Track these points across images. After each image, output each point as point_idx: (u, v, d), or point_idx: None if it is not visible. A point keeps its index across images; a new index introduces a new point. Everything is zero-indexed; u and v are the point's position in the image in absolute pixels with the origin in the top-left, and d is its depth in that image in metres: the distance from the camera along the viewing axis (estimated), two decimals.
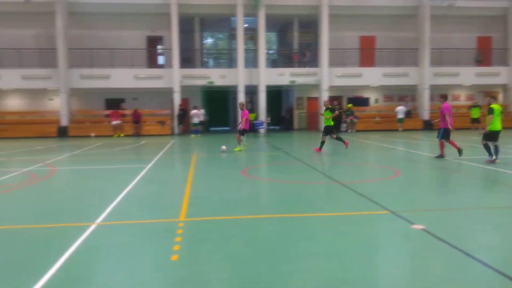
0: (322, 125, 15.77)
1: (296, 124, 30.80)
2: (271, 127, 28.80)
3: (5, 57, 26.38)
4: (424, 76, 28.94)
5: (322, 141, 15.18)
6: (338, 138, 15.48)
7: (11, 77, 26.11)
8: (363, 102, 30.81)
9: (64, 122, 26.56)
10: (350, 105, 28.20)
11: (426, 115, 28.92)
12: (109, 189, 9.25)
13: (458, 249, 5.06)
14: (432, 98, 28.70)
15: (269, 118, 27.60)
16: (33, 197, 8.81)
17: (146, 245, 5.55)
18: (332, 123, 15.28)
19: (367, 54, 29.75)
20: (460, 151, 12.82)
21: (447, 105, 12.93)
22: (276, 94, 30.64)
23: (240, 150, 16.14)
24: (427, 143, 19.23)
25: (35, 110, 28.23)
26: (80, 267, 4.74)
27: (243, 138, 16.57)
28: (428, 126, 27.95)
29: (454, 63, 29.39)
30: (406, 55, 29.35)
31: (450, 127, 12.79)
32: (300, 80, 28.16)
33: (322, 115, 15.70)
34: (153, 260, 4.96)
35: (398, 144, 19.21)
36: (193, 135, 25.53)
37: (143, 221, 6.64)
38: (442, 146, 13.14)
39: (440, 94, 13.62)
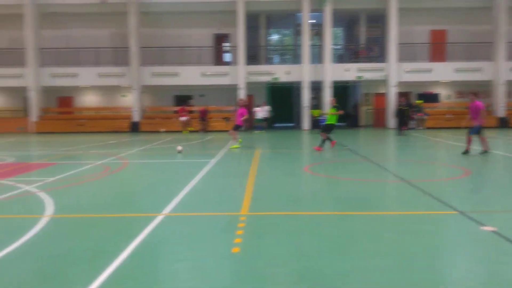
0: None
1: (362, 121, 30.18)
2: (336, 124, 28.38)
3: (83, 56, 28.02)
4: (499, 71, 27.29)
5: (326, 139, 15.15)
6: (328, 139, 15.22)
7: (88, 75, 27.70)
8: (433, 98, 29.60)
9: (136, 117, 27.78)
10: (419, 101, 27.19)
11: (501, 112, 27.27)
12: (176, 182, 9.58)
13: None
14: (509, 95, 27.03)
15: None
16: (106, 188, 9.32)
17: (209, 237, 5.71)
18: (334, 121, 15.18)
19: (438, 49, 28.53)
20: (484, 152, 13.15)
21: (481, 103, 13.14)
22: (342, 90, 30.18)
23: (237, 148, 16.30)
24: (501, 142, 18.14)
25: (109, 106, 29.80)
26: (147, 255, 4.97)
27: (237, 134, 16.86)
28: (504, 123, 26.35)
29: None
30: (480, 49, 27.80)
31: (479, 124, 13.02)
32: (367, 76, 27.56)
33: (315, 114, 15.73)
34: (214, 251, 5.10)
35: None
36: (256, 131, 25.78)
37: (207, 214, 6.82)
38: (470, 141, 13.31)
39: (472, 91, 13.60)
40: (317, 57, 29.13)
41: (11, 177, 10.20)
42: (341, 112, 15.36)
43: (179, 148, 14.98)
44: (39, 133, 26.76)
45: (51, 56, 28.26)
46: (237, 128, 16.78)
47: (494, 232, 5.53)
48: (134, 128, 27.40)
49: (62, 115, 29.26)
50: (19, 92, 28.67)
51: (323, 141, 15.15)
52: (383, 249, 5.10)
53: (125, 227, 6.12)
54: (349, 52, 31.20)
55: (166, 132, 26.31)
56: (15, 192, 8.48)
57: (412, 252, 4.97)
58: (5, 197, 8.03)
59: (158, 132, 26.39)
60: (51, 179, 9.88)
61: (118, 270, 4.47)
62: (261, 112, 26.31)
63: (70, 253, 5.04)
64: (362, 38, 29.85)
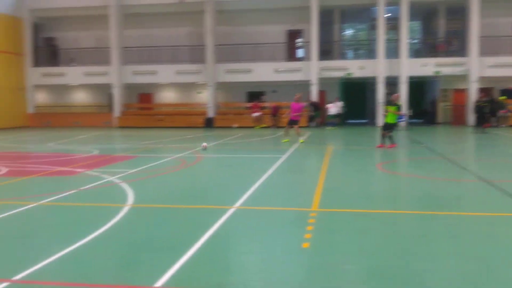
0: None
1: (439, 118, 28.89)
2: (413, 121, 27.43)
3: (162, 54, 29.28)
4: None
5: (385, 136, 14.66)
6: (390, 138, 14.70)
7: (167, 72, 28.88)
8: None
9: (210, 113, 28.58)
10: (502, 97, 25.51)
11: None
12: (248, 176, 9.80)
13: None
14: None
15: (410, 111, 26.33)
16: (182, 180, 9.75)
17: (279, 231, 5.83)
18: (395, 120, 14.70)
19: None
20: None
21: None
22: (418, 86, 29.03)
23: (302, 141, 16.87)
24: None
25: (185, 103, 30.90)
26: (219, 245, 5.19)
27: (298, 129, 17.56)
28: None
29: None
30: None
31: None
32: (445, 71, 26.31)
33: (387, 110, 14.95)
34: (285, 245, 5.21)
35: None
36: (329, 128, 25.56)
37: (277, 208, 6.95)
38: None
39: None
40: (392, 52, 28.23)
41: (96, 168, 10.97)
42: (401, 112, 14.87)
43: (204, 144, 14.94)
44: (121, 127, 28.36)
45: (133, 55, 29.81)
46: (292, 123, 17.48)
47: None
48: (208, 123, 28.20)
49: (143, 110, 30.77)
50: (105, 89, 30.53)
51: (389, 138, 14.69)
52: (461, 250, 4.94)
53: (199, 218, 6.40)
54: (427, 46, 29.91)
55: (239, 127, 26.82)
56: (100, 182, 9.12)
57: (493, 255, 4.76)
58: (91, 187, 8.67)
59: (231, 127, 26.97)
60: (133, 170, 10.50)
61: (192, 259, 4.71)
62: (334, 108, 26.03)
63: (149, 241, 5.37)
64: (441, 31, 28.50)
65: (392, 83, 27.61)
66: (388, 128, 14.74)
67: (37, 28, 30.80)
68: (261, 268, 4.49)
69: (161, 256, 4.82)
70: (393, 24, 28.87)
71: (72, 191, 8.19)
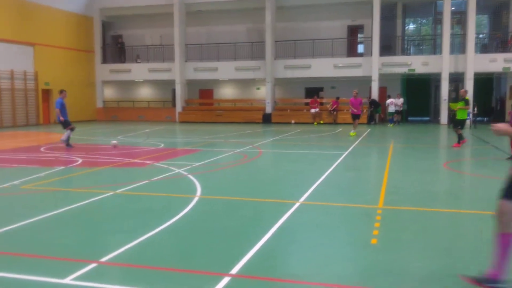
0: None
1: (508, 116, 27.51)
2: (479, 119, 26.34)
3: (222, 51, 29.86)
4: None
5: (459, 134, 14.25)
6: (460, 135, 14.30)
7: (226, 69, 29.43)
8: None
9: (268, 109, 28.84)
10: None
11: None
12: (309, 172, 9.91)
13: None
14: None
15: (476, 109, 25.28)
16: (246, 174, 10.02)
17: (346, 226, 5.92)
18: (466, 116, 14.39)
19: None
20: None
21: None
22: (485, 83, 27.84)
23: (353, 135, 18.10)
24: None
25: (244, 98, 31.36)
26: (286, 238, 5.36)
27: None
28: None
29: None
30: None
31: None
32: None
33: (454, 107, 14.48)
34: (352, 241, 5.30)
35: None
36: (390, 125, 25.10)
37: (342, 204, 7.02)
38: None
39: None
40: (458, 47, 27.24)
41: (164, 160, 11.47)
42: (468, 107, 14.46)
43: (114, 142, 14.56)
44: (183, 122, 29.24)
45: (195, 52, 30.63)
46: (355, 118, 18.91)
47: None
48: (267, 119, 28.47)
49: (203, 106, 31.56)
50: (167, 85, 31.60)
51: (460, 137, 14.29)
52: None
53: (266, 211, 6.61)
54: (495, 41, 28.56)
55: (296, 123, 26.90)
56: (169, 174, 9.56)
57: None
58: (161, 178, 9.12)
59: (288, 123, 27.10)
60: (198, 163, 10.90)
61: (264, 249, 4.91)
62: (394, 104, 25.47)
63: (220, 230, 5.64)
64: (511, 25, 27.12)
65: (457, 80, 26.66)
66: (460, 124, 14.46)
67: (105, 26, 32.37)
68: (332, 261, 4.61)
69: (233, 244, 5.06)
70: (459, 18, 27.83)
71: (145, 182, 8.66)
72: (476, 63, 25.35)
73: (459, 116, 14.39)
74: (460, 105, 14.39)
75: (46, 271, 4.34)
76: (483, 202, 7.33)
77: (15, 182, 8.58)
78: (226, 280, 4.08)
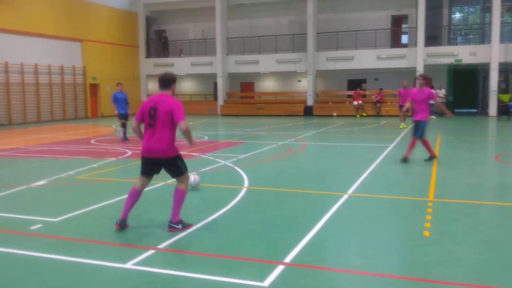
0: None
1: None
2: None
3: (263, 44, 29.90)
4: None
5: None
6: None
7: (268, 62, 29.45)
8: None
9: (310, 102, 28.69)
10: None
11: None
12: (356, 165, 9.84)
13: None
14: None
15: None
16: (291, 166, 10.05)
17: (397, 218, 5.88)
18: None
19: None
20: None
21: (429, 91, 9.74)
22: None
23: (403, 128, 17.73)
24: None
25: (285, 91, 31.32)
26: (338, 229, 5.39)
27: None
28: None
29: None
30: None
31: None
32: None
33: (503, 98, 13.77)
34: (405, 232, 5.27)
35: None
36: (432, 116, 24.46)
37: (391, 197, 6.96)
38: (413, 146, 9.90)
39: (420, 75, 9.98)
40: (508, 36, 26.16)
41: (210, 152, 11.68)
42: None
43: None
44: (224, 115, 29.54)
45: (236, 45, 30.82)
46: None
47: None
48: (308, 112, 28.33)
49: (244, 99, 31.74)
50: (210, 78, 31.96)
51: None
52: None
53: (315, 203, 6.64)
54: None
55: (338, 116, 26.64)
56: (216, 165, 9.74)
57: None
58: (209, 169, 9.30)
59: (330, 116, 26.88)
60: (243, 156, 11.04)
61: (314, 239, 4.96)
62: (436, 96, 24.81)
63: (271, 220, 5.73)
64: None
65: (507, 70, 25.64)
66: None
67: (149, 21, 33.05)
68: (384, 252, 4.61)
69: (286, 234, 5.14)
70: (509, 6, 26.69)
71: (193, 173, 8.86)
72: None
73: None
74: None
75: (108, 256, 4.55)
76: None
77: (70, 173, 8.98)
78: (280, 268, 4.16)
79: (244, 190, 7.34)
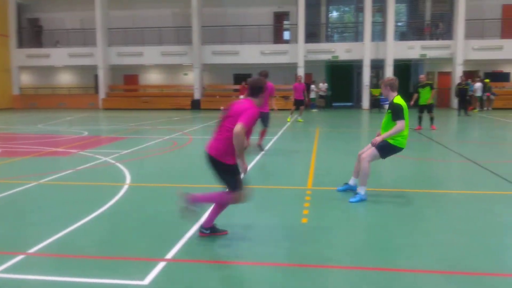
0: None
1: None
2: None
3: (147, 36, 29.03)
4: None
5: (431, 118, 15.39)
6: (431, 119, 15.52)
7: (152, 54, 28.69)
8: (503, 77, 28.20)
9: (196, 95, 28.57)
10: (487, 80, 26.02)
11: None
12: None
13: None
14: None
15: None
16: (177, 160, 9.90)
17: (279, 207, 6.08)
18: (433, 101, 15.41)
19: (510, 25, 27.01)
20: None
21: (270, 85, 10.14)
22: (404, 69, 29.40)
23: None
24: None
25: (171, 84, 30.78)
26: (219, 221, 5.41)
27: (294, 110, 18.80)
28: None
29: None
30: None
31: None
32: (431, 54, 26.68)
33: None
34: (283, 221, 5.46)
35: None
36: (313, 110, 25.84)
37: (273, 187, 7.18)
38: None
39: (261, 72, 10.10)
40: (378, 35, 28.48)
41: (89, 149, 11.04)
42: (434, 91, 15.37)
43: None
44: (107, 109, 28.19)
45: (118, 36, 29.49)
46: (298, 104, 18.91)
47: None
48: (195, 105, 28.19)
49: (128, 92, 30.58)
50: (90, 70, 30.19)
51: (431, 119, 15.40)
52: (449, 226, 5.25)
53: None
54: (413, 29, 30.22)
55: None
56: (95, 162, 9.23)
57: (481, 230, 5.09)
58: (88, 167, 8.78)
59: (218, 109, 27.00)
60: (125, 151, 10.61)
61: (197, 232, 4.92)
62: (317, 90, 26.33)
63: (154, 217, 5.57)
64: (427, 14, 28.81)
65: (377, 66, 27.92)
66: (432, 108, 15.35)
67: (20, 8, 30.24)
68: (262, 240, 4.72)
69: (168, 231, 5.02)
70: (379, 7, 29.06)
71: (70, 171, 8.30)
72: (395, 50, 26.67)
73: (423, 101, 15.18)
74: (427, 91, 15.11)
75: None
76: (406, 181, 7.82)
77: None
78: (162, 265, 4.06)
79: (125, 187, 7.05)
